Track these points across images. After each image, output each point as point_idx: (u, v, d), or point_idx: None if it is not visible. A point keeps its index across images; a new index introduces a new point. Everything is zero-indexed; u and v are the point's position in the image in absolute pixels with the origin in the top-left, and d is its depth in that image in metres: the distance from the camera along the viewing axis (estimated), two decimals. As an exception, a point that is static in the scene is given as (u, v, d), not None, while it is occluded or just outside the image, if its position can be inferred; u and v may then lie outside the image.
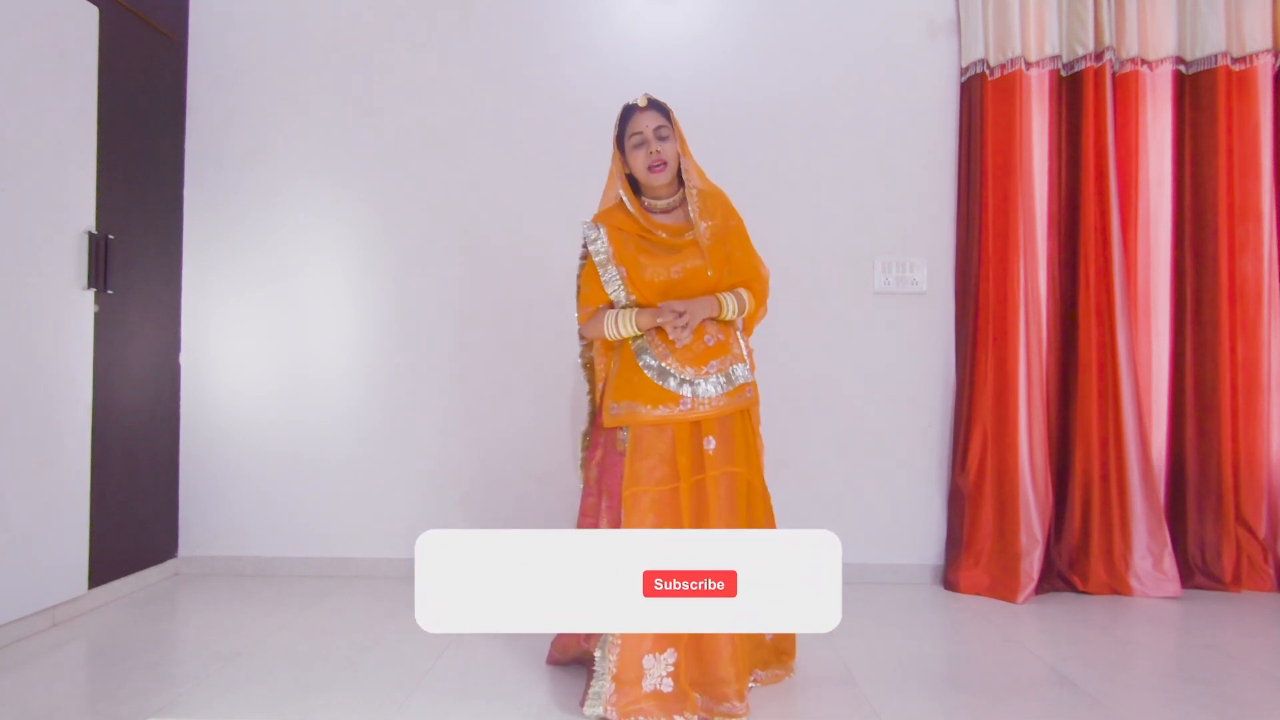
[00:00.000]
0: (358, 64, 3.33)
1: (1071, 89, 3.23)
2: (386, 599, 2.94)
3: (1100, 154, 3.16)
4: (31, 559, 2.51)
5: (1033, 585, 3.00)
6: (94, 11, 2.74)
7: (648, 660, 1.89)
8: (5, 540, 2.42)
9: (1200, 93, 3.23)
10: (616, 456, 2.03)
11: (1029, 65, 3.21)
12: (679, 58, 3.31)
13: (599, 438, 2.11)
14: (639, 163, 2.06)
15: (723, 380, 2.01)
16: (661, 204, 2.12)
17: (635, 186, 2.14)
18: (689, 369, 2.00)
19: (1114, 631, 2.68)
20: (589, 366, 2.27)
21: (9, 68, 2.43)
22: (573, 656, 2.21)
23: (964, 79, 3.26)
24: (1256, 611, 2.91)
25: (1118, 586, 3.07)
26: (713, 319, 2.05)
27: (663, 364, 2.01)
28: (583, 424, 2.31)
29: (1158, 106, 3.26)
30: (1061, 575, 3.14)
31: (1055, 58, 3.20)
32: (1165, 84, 3.25)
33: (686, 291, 2.05)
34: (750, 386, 2.07)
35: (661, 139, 2.05)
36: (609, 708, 1.87)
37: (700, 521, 1.95)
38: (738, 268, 2.10)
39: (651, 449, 1.98)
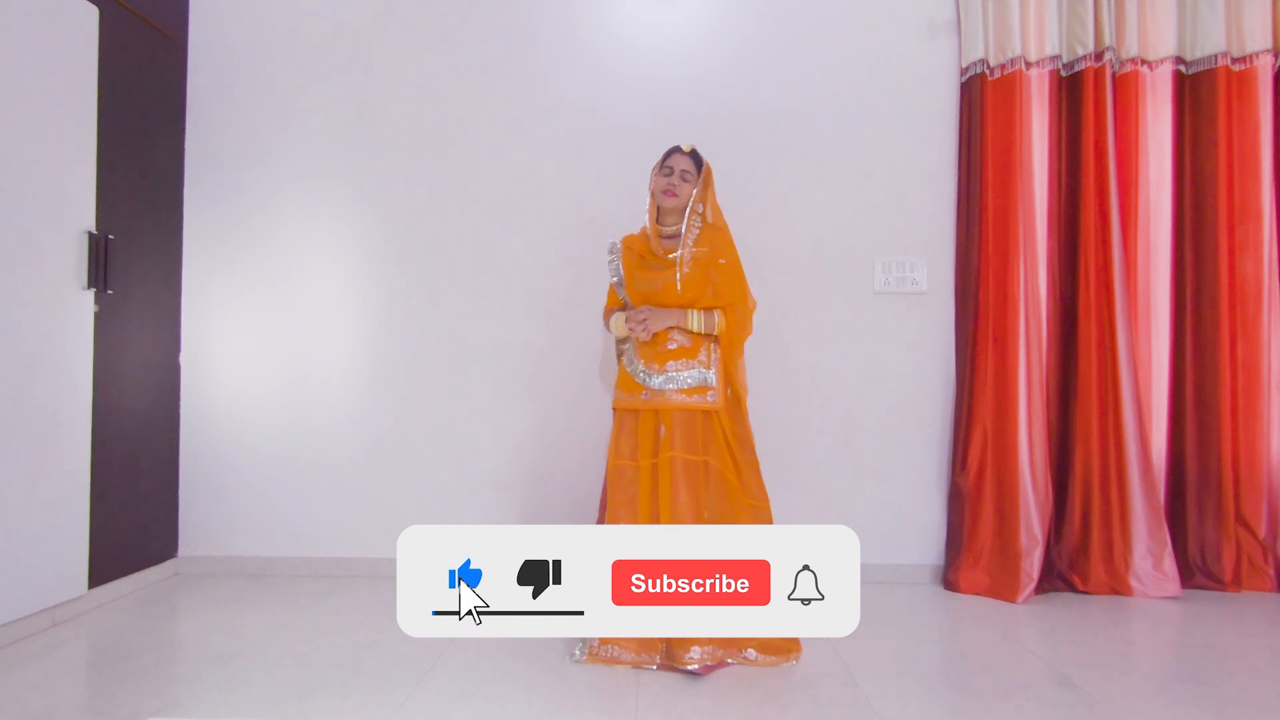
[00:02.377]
0: (357, 64, 3.33)
1: (1071, 89, 3.23)
2: (386, 599, 2.93)
3: (1100, 154, 3.16)
4: (31, 559, 2.51)
5: (1033, 585, 3.00)
6: (94, 11, 2.74)
7: None
8: (5, 540, 2.42)
9: (1200, 93, 3.23)
10: None
11: (1029, 65, 3.21)
12: (679, 58, 3.31)
13: (614, 424, 2.51)
14: (658, 186, 2.49)
15: (679, 379, 2.40)
16: (668, 230, 2.52)
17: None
18: (653, 366, 2.42)
19: (1114, 631, 2.68)
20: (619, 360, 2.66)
21: (9, 68, 2.43)
22: None
23: (964, 79, 3.26)
24: (1256, 611, 2.91)
25: (1118, 586, 3.07)
26: (682, 329, 2.44)
27: (636, 362, 2.46)
28: (607, 415, 2.76)
29: (1158, 106, 3.26)
30: (1061, 575, 3.14)
31: (1055, 58, 3.20)
32: (1165, 84, 3.25)
33: (659, 301, 2.46)
34: (712, 391, 2.40)
35: (684, 179, 2.47)
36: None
37: (657, 498, 2.31)
38: (721, 293, 2.47)
39: (629, 430, 2.42)
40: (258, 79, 3.33)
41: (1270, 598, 3.08)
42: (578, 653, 2.30)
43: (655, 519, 2.32)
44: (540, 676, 2.20)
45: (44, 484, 2.56)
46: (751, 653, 2.31)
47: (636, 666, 2.26)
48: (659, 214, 2.53)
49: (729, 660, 2.30)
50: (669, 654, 2.25)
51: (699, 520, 2.30)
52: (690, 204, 2.48)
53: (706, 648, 2.24)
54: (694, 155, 2.51)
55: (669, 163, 2.49)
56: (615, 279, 2.56)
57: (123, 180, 2.94)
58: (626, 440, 2.42)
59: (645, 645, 2.27)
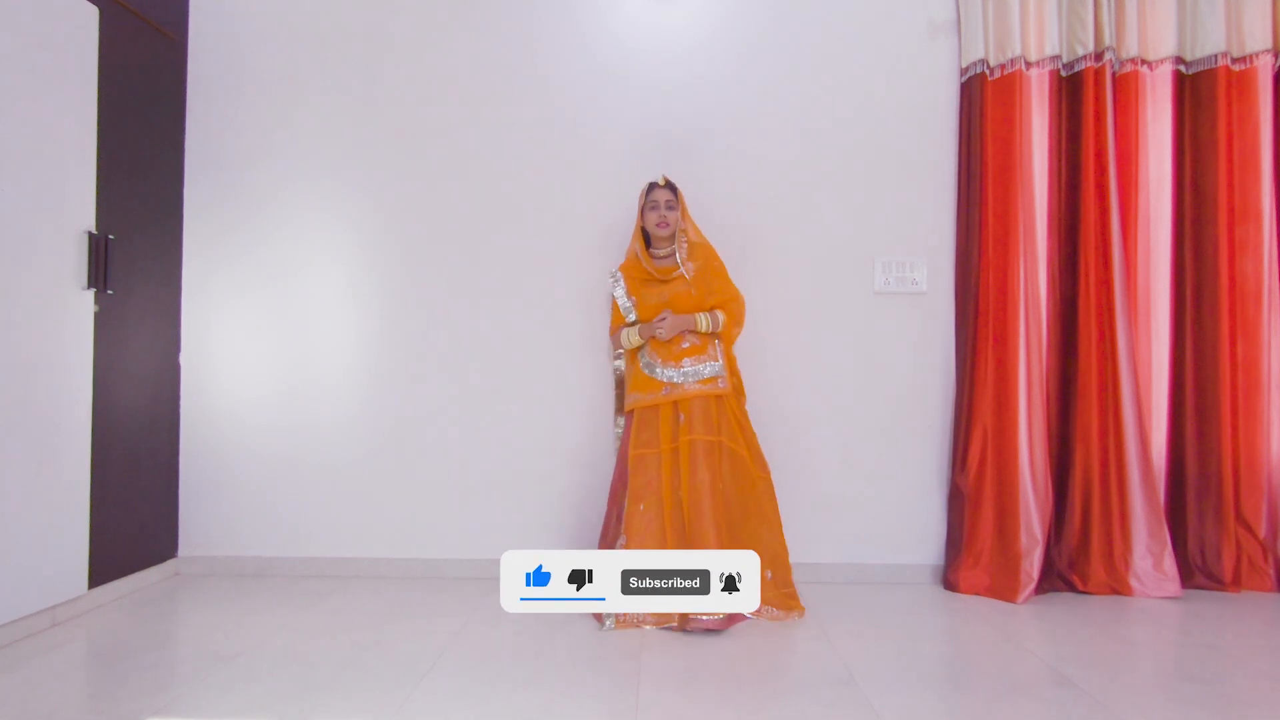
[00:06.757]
0: (357, 64, 3.33)
1: (1071, 89, 3.23)
2: (386, 599, 2.94)
3: (1100, 154, 3.16)
4: (31, 559, 2.51)
5: (1033, 585, 3.00)
6: (94, 11, 2.74)
7: None
8: (5, 540, 2.42)
9: (1200, 93, 3.23)
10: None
11: (1029, 65, 3.21)
12: (678, 58, 3.31)
13: (628, 424, 2.87)
14: (650, 221, 2.92)
15: (694, 373, 2.80)
16: (660, 252, 2.96)
17: (646, 237, 2.99)
18: (670, 363, 2.82)
19: (1114, 631, 2.68)
20: (622, 369, 3.06)
21: (9, 68, 2.43)
22: None
23: (964, 79, 3.26)
24: (1256, 611, 2.91)
25: (1118, 586, 3.07)
26: (691, 330, 2.85)
27: (652, 362, 2.84)
28: (609, 415, 3.21)
29: (1158, 106, 3.26)
30: (1061, 575, 3.14)
31: (1055, 58, 3.20)
32: (1165, 84, 3.25)
33: (673, 310, 2.87)
34: (722, 379, 2.81)
35: (669, 209, 2.91)
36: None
37: (680, 474, 2.70)
38: (717, 293, 2.90)
39: (648, 424, 2.80)
40: (258, 79, 3.33)
41: (1270, 598, 3.08)
42: (609, 622, 2.61)
43: (676, 494, 2.70)
44: (541, 676, 2.20)
45: (44, 484, 2.56)
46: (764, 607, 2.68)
47: (658, 626, 2.61)
48: (649, 240, 2.96)
49: (744, 614, 2.63)
50: (684, 615, 2.56)
51: (716, 491, 2.69)
52: (676, 227, 2.91)
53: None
54: (670, 186, 2.92)
55: (652, 198, 2.91)
56: (622, 300, 2.94)
57: (123, 180, 2.94)
58: (646, 431, 2.78)
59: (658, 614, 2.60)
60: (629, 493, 2.74)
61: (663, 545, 2.66)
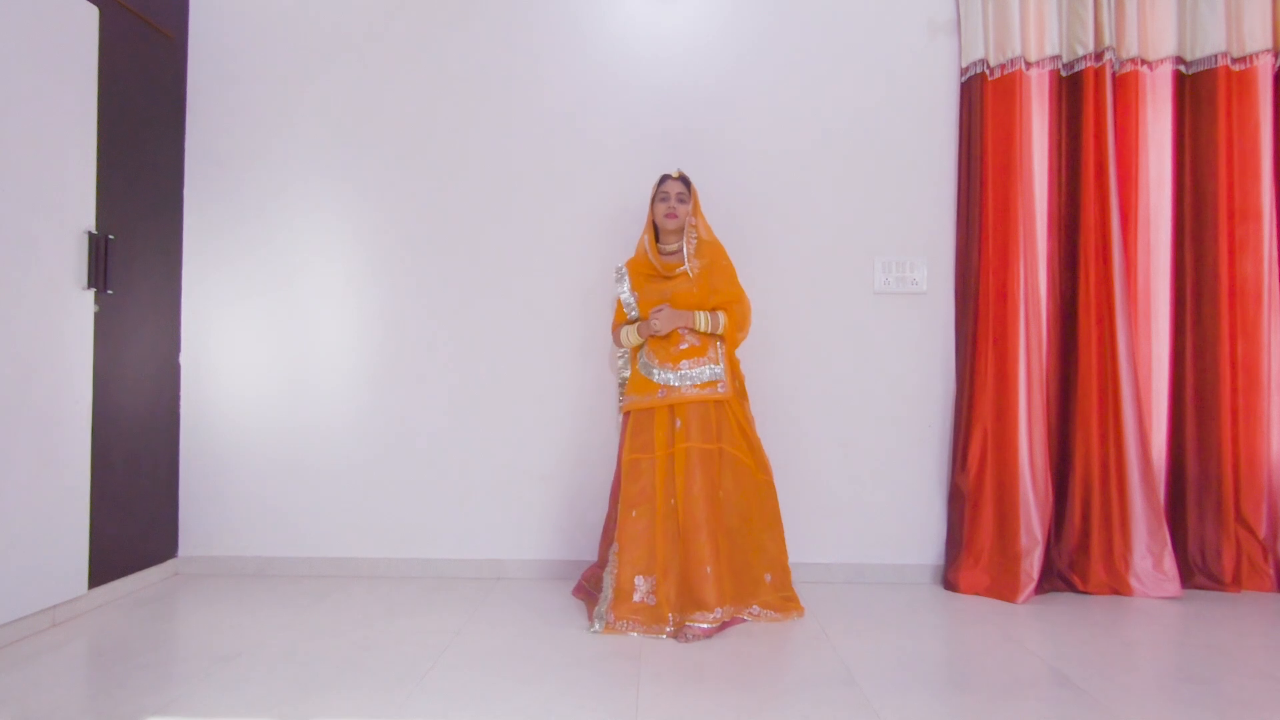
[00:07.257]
0: (357, 64, 3.33)
1: (1072, 89, 3.23)
2: (386, 599, 2.94)
3: (1100, 154, 3.16)
4: (31, 559, 2.51)
5: (1033, 585, 3.00)
6: (94, 11, 2.74)
7: (638, 580, 2.61)
8: (5, 540, 2.42)
9: (1200, 93, 3.23)
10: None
11: (1029, 65, 3.21)
12: (677, 58, 3.31)
13: (624, 426, 2.81)
14: (659, 212, 2.83)
15: (692, 376, 2.70)
16: (669, 247, 2.87)
17: (657, 232, 2.90)
18: (667, 364, 2.72)
19: (1114, 631, 2.68)
20: (626, 369, 2.97)
21: (9, 68, 2.43)
22: (595, 586, 2.84)
23: (964, 79, 3.26)
24: (1256, 611, 2.91)
25: (1118, 586, 3.07)
26: (691, 330, 2.75)
27: (650, 363, 2.76)
28: (608, 415, 3.22)
29: (1158, 106, 3.26)
30: (1061, 575, 3.14)
31: (1055, 58, 3.20)
32: (1165, 84, 3.25)
33: (673, 307, 2.77)
34: (722, 383, 2.72)
35: (680, 201, 2.83)
36: (609, 611, 2.59)
37: (671, 483, 2.63)
38: (721, 293, 2.80)
39: (643, 428, 2.72)
40: (258, 79, 3.33)
41: (1270, 598, 3.08)
42: (597, 625, 2.58)
43: (670, 502, 2.63)
44: (541, 676, 2.21)
45: (44, 484, 2.56)
46: (756, 608, 2.69)
47: (646, 634, 2.53)
48: (658, 235, 2.87)
49: (743, 617, 2.66)
50: (678, 624, 2.54)
51: (712, 500, 2.63)
52: (686, 222, 2.83)
53: (714, 611, 2.56)
54: (683, 179, 2.85)
55: (664, 189, 2.83)
56: (626, 296, 2.86)
57: (123, 180, 2.94)
58: (641, 436, 2.70)
59: (652, 619, 2.56)
60: (622, 499, 2.68)
61: (652, 554, 2.60)
